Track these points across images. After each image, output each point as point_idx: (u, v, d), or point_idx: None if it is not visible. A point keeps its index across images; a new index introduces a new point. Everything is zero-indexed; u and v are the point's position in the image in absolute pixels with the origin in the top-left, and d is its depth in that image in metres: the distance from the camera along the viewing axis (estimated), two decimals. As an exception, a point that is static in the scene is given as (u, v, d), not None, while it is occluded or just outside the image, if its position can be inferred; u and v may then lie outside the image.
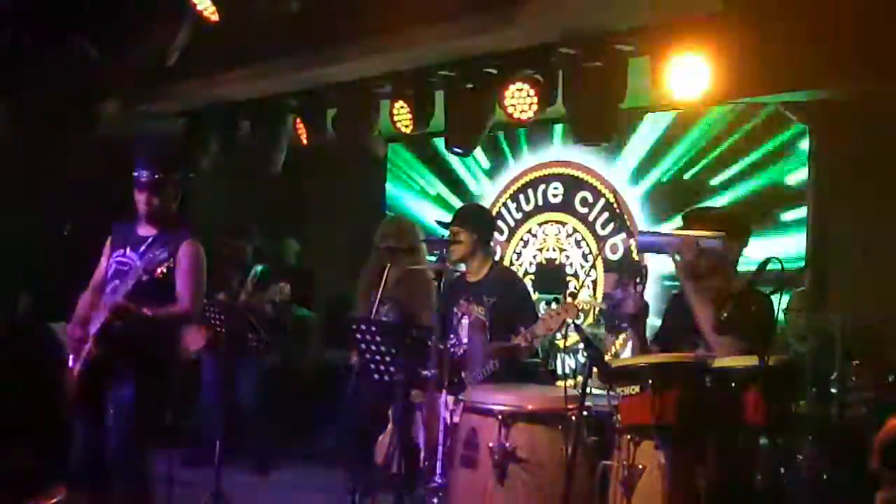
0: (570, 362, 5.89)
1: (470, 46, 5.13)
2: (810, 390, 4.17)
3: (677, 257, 3.38)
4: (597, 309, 5.91)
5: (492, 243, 4.85)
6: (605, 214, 6.15)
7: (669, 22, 4.46)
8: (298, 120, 6.30)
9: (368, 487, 5.08)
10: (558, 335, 4.68)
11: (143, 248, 3.91)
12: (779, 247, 5.13)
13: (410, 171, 7.26)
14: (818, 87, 4.49)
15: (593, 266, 6.17)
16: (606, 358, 3.88)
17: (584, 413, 3.54)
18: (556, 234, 6.43)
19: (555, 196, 6.44)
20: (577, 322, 3.94)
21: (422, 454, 4.30)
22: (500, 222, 6.69)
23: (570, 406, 3.62)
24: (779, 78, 4.33)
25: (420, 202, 7.17)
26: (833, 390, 4.19)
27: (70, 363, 3.86)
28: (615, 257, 6.11)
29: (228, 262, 6.09)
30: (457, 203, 6.79)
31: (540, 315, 4.25)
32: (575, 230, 6.33)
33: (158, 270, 3.75)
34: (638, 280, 3.63)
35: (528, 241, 6.59)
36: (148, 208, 3.95)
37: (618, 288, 4.30)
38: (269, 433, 6.26)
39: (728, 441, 3.18)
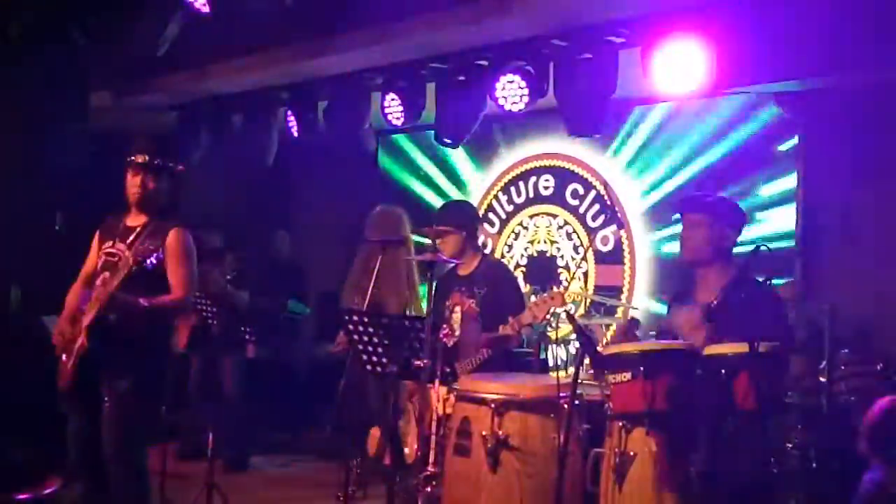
0: (562, 353, 5.92)
1: (461, 38, 5.14)
2: (800, 379, 4.21)
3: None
4: (587, 300, 5.94)
5: (481, 236, 4.87)
6: (596, 206, 6.17)
7: (660, 13, 4.48)
8: (290, 112, 6.30)
9: (361, 479, 5.10)
10: (550, 326, 4.70)
11: (131, 238, 3.89)
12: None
13: (410, 158, 7.26)
14: (812, 77, 4.50)
15: (584, 258, 6.20)
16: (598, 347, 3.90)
17: (576, 401, 3.57)
18: (548, 227, 6.45)
19: (546, 188, 6.46)
20: (569, 311, 3.96)
21: (415, 444, 4.31)
22: (491, 214, 6.72)
23: (562, 394, 3.65)
24: (771, 68, 4.34)
25: (418, 188, 7.18)
26: (822, 379, 4.22)
27: (63, 358, 3.84)
28: (606, 249, 6.14)
29: (207, 256, 6.08)
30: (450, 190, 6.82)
31: (527, 304, 4.28)
32: (566, 222, 6.35)
33: (148, 261, 3.72)
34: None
35: (519, 233, 6.61)
36: (141, 191, 3.91)
37: None
38: (255, 427, 6.24)
39: (719, 428, 3.21)
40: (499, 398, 3.78)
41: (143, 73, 6.29)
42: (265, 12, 5.27)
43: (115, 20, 5.30)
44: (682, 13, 4.42)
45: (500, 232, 6.69)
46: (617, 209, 5.82)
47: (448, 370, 4.15)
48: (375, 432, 5.43)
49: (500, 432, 3.72)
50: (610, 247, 6.12)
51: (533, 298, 4.24)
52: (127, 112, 6.70)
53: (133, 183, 3.93)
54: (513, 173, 6.64)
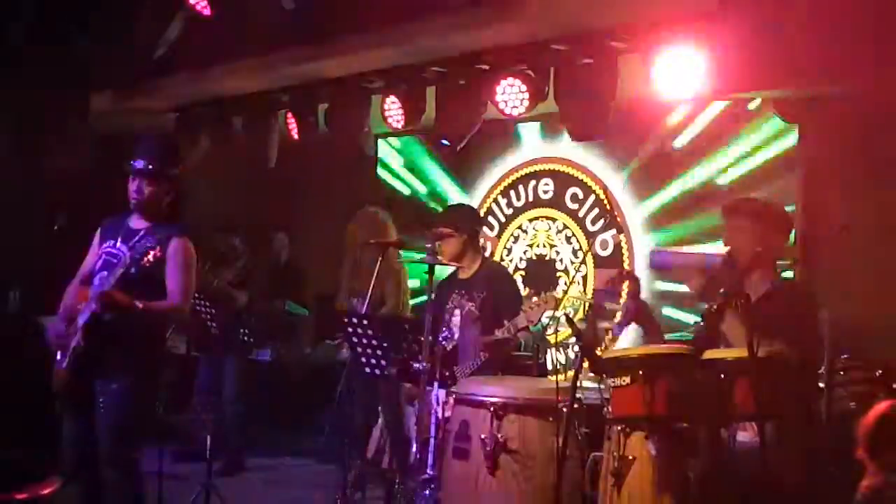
0: (561, 357, 5.92)
1: (462, 42, 5.15)
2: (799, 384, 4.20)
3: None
4: (586, 304, 5.94)
5: (482, 239, 4.88)
6: (595, 210, 6.18)
7: (661, 19, 4.49)
8: (290, 115, 6.31)
9: (360, 481, 5.10)
10: (549, 330, 4.70)
11: (134, 240, 3.87)
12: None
13: (410, 161, 7.27)
14: (811, 84, 4.51)
15: (583, 262, 6.20)
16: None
17: (575, 405, 3.57)
18: (547, 230, 6.45)
19: (545, 192, 6.47)
20: (568, 314, 3.96)
21: (414, 447, 4.31)
22: (490, 218, 6.72)
23: (561, 398, 3.65)
24: (771, 75, 4.35)
25: (418, 191, 7.18)
26: (821, 384, 4.22)
27: (58, 358, 3.83)
28: (605, 253, 6.14)
29: (220, 258, 6.08)
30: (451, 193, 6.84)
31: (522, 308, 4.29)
32: (565, 226, 6.35)
33: (145, 259, 3.69)
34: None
35: (518, 237, 6.61)
36: (139, 196, 3.91)
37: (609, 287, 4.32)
38: (253, 429, 6.24)
39: (718, 432, 3.22)
40: (498, 401, 3.78)
41: (144, 76, 6.29)
42: (266, 15, 5.28)
43: (116, 22, 5.32)
44: (683, 19, 4.43)
45: (499, 235, 6.69)
46: (616, 214, 5.83)
47: (447, 373, 4.16)
48: (375, 434, 5.44)
49: (499, 435, 3.72)
50: (609, 251, 6.12)
51: (528, 302, 4.25)
52: (127, 114, 6.70)
53: (131, 188, 3.92)
54: (513, 177, 6.65)
